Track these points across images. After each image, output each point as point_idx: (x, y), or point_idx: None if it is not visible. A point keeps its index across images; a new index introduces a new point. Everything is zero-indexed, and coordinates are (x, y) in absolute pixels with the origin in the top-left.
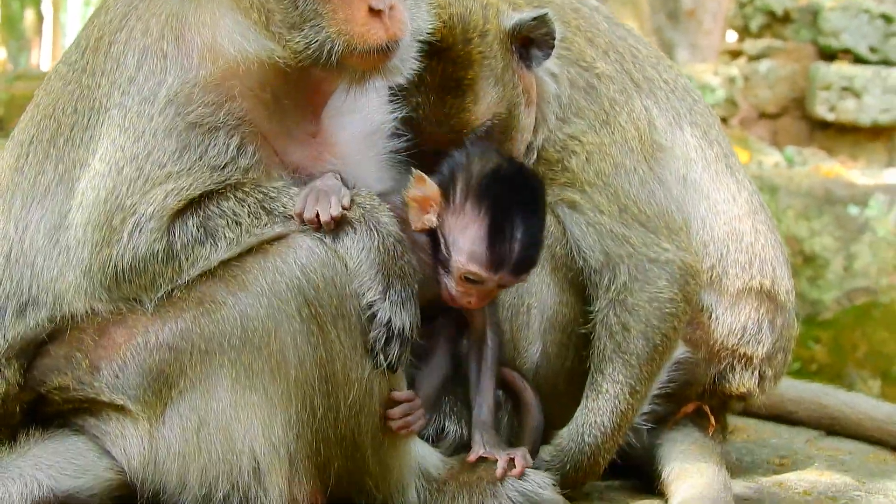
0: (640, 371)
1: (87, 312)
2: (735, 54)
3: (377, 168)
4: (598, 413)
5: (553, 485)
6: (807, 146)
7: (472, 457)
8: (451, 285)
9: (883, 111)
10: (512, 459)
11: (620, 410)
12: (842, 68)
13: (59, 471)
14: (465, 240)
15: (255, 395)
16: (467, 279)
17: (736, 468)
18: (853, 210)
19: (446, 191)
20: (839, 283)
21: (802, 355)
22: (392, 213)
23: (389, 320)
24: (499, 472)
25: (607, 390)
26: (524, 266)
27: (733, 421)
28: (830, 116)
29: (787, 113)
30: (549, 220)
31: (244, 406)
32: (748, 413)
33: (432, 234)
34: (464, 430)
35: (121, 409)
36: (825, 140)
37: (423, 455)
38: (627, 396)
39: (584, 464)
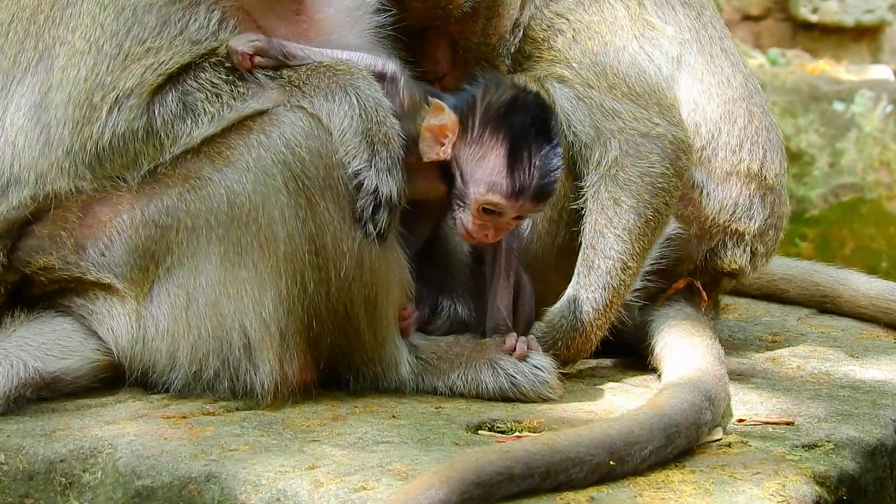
0: (632, 246)
1: (70, 191)
2: None
3: (362, 43)
4: (589, 288)
5: (551, 365)
6: (790, 48)
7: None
8: (466, 219)
9: (866, 11)
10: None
11: (612, 286)
12: None
13: (45, 352)
14: (484, 169)
15: (245, 270)
16: (485, 210)
17: (728, 345)
18: (839, 106)
19: (463, 121)
20: (825, 180)
21: (789, 252)
22: (372, 78)
23: (376, 188)
24: (509, 342)
25: (599, 266)
26: (543, 194)
27: (725, 300)
28: (813, 17)
29: (769, 15)
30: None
31: (233, 282)
32: (739, 292)
33: (444, 167)
34: (457, 307)
35: (107, 287)
36: (809, 42)
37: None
38: (619, 272)
39: (576, 340)
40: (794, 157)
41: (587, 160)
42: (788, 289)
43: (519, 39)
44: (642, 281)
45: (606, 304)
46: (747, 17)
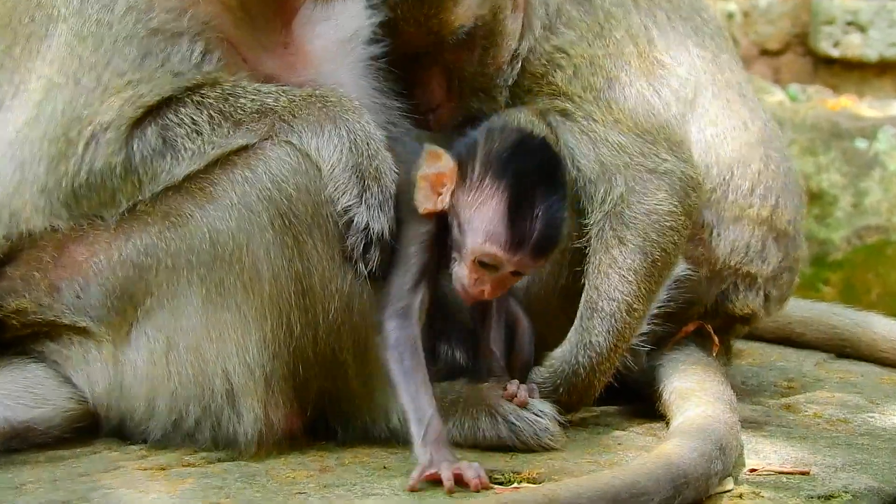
0: (639, 288)
1: (45, 230)
2: None
3: (354, 75)
4: (592, 332)
5: (553, 412)
6: (811, 83)
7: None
8: (462, 273)
9: (890, 45)
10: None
11: (617, 330)
12: (845, 1)
13: (16, 400)
14: (482, 218)
15: (228, 313)
16: (482, 264)
17: (741, 392)
18: (861, 144)
19: (462, 166)
20: (848, 222)
21: (811, 298)
22: (364, 110)
23: (367, 225)
24: (510, 389)
25: (603, 308)
26: (545, 247)
27: (738, 345)
28: (835, 52)
29: (789, 49)
30: (542, 128)
31: (216, 325)
32: (753, 336)
33: (440, 218)
34: (455, 352)
35: (83, 331)
36: (830, 77)
37: None
38: (624, 315)
39: (578, 386)
40: (815, 197)
41: (591, 197)
42: (805, 332)
43: (517, 72)
44: (649, 324)
45: (611, 349)
46: (765, 52)
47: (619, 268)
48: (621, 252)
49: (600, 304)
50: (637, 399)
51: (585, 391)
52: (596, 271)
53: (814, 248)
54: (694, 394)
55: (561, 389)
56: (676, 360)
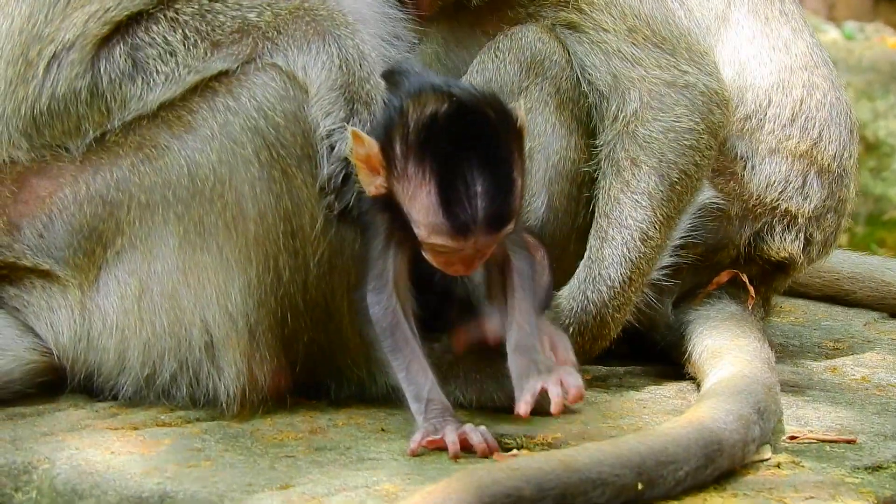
0: (654, 213)
1: (3, 162)
2: None
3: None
4: (602, 264)
5: (576, 370)
6: (869, 20)
7: (521, 410)
8: (428, 256)
9: None
10: (561, 381)
11: (630, 259)
12: None
13: None
14: (419, 210)
15: (208, 255)
16: (437, 251)
17: (781, 352)
18: None
19: (385, 152)
20: None
21: None
22: (358, 27)
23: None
24: (554, 408)
25: (613, 237)
26: (498, 221)
27: (779, 302)
28: None
29: None
30: (553, 46)
31: (194, 268)
32: (796, 293)
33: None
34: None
35: (46, 274)
36: (892, 14)
37: None
38: (638, 243)
39: (590, 325)
40: (871, 147)
41: (603, 114)
42: (855, 289)
43: None
44: (673, 256)
45: (624, 282)
46: None
47: (633, 192)
48: (634, 175)
49: (611, 232)
50: (664, 359)
51: (599, 330)
52: (606, 197)
53: (868, 205)
54: (728, 352)
55: (571, 329)
56: (707, 315)
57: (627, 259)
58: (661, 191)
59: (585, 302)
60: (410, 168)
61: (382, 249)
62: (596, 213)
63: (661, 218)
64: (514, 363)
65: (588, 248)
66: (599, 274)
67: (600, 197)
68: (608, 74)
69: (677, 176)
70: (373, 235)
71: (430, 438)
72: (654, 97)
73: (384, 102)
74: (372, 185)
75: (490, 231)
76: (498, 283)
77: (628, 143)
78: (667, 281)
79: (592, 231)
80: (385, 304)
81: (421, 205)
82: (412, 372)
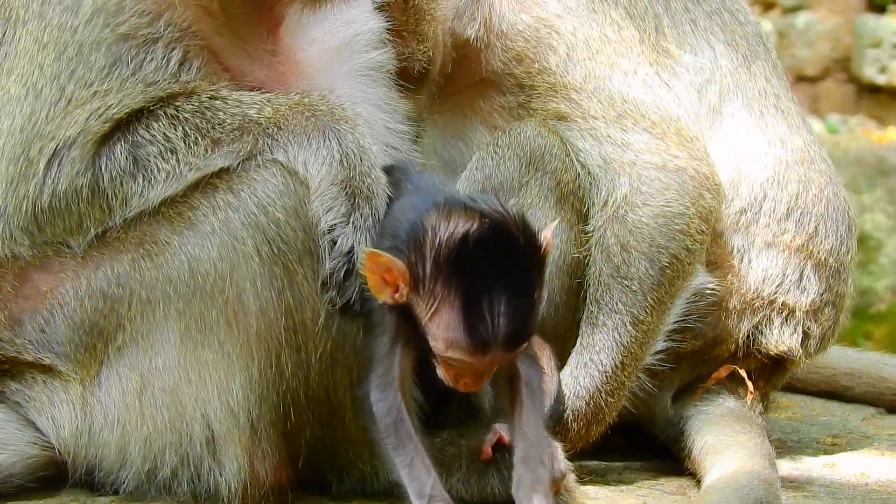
0: (645, 298)
1: (4, 257)
2: (767, 6)
3: (353, 86)
4: (593, 349)
5: (568, 468)
6: (853, 114)
7: None
8: (438, 368)
9: None
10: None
11: (622, 344)
12: (894, 22)
13: None
14: (439, 325)
15: (209, 351)
16: (451, 364)
17: (780, 448)
18: None
19: (411, 266)
20: (894, 269)
21: None
22: (359, 121)
23: (352, 248)
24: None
25: (604, 322)
26: (515, 341)
27: (777, 398)
28: (881, 79)
29: (829, 75)
30: (552, 140)
31: (195, 364)
32: (794, 388)
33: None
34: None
35: (48, 369)
36: (874, 107)
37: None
38: (629, 327)
39: (584, 411)
40: (858, 241)
41: (594, 199)
42: (852, 385)
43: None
44: (667, 342)
45: (616, 366)
46: (802, 78)
47: (623, 277)
48: (624, 260)
49: (601, 318)
50: (664, 454)
51: (594, 416)
52: (596, 283)
53: (855, 299)
54: (728, 448)
55: (566, 416)
56: (707, 410)
57: (619, 344)
58: (652, 276)
59: (578, 388)
60: (438, 287)
61: (390, 349)
62: (587, 300)
63: (651, 302)
64: (519, 474)
65: (580, 334)
66: (591, 360)
67: (591, 283)
68: (600, 158)
69: (668, 261)
70: (379, 333)
71: None
72: (644, 181)
73: (411, 220)
74: (388, 296)
75: (508, 349)
76: (505, 391)
77: (618, 228)
78: (664, 368)
79: (584, 317)
80: (390, 402)
81: (442, 320)
82: (415, 468)
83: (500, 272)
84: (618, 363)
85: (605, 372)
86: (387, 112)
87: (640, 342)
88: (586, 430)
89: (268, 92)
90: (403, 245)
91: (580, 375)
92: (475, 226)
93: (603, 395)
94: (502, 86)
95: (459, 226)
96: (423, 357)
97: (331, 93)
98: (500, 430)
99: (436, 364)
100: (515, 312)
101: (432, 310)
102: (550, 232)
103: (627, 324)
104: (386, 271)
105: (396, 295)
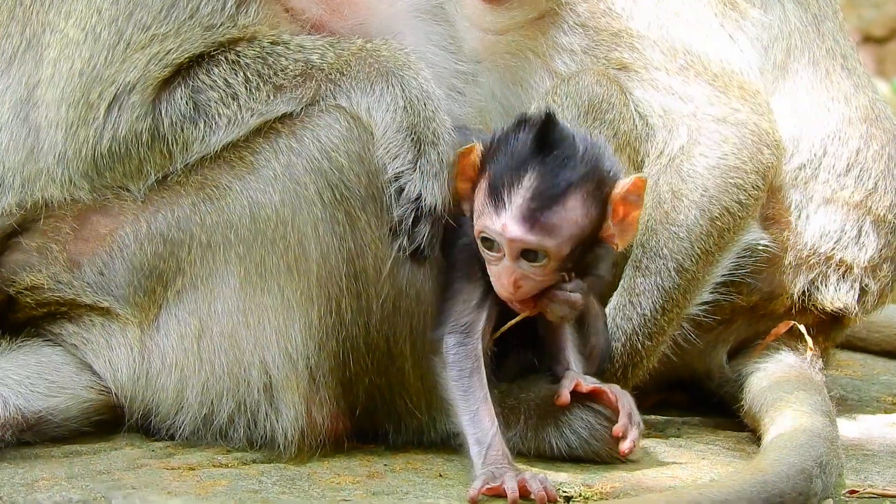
0: (692, 246)
1: (64, 200)
2: None
3: (416, 25)
4: (633, 292)
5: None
6: None
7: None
8: (490, 269)
9: None
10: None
11: (664, 288)
12: None
13: (30, 387)
14: (478, 197)
15: (269, 296)
16: (484, 242)
17: (840, 406)
18: None
19: (483, 159)
20: None
21: None
22: (422, 65)
23: (420, 195)
24: (562, 394)
25: (647, 266)
26: (530, 220)
27: (838, 356)
28: None
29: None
30: (611, 89)
31: (255, 309)
32: (855, 347)
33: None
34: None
35: (106, 312)
36: None
37: None
38: (673, 273)
39: (622, 354)
40: None
41: (649, 149)
42: None
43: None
44: (713, 294)
45: (656, 311)
46: (869, 39)
47: (671, 223)
48: (674, 207)
49: (644, 261)
50: (722, 409)
51: (631, 359)
52: (644, 227)
53: None
54: (789, 405)
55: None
56: (765, 367)
57: (660, 288)
58: (701, 225)
59: (615, 328)
60: (487, 166)
61: (480, 300)
62: (633, 246)
63: (698, 251)
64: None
65: (622, 276)
66: (630, 301)
67: (639, 228)
68: (660, 108)
69: (719, 212)
70: (466, 280)
71: (490, 486)
72: (704, 133)
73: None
74: (463, 201)
75: (520, 224)
76: (553, 342)
77: (672, 176)
78: (716, 322)
79: (629, 260)
80: (470, 350)
81: (480, 190)
82: (480, 416)
83: (539, 157)
84: (658, 307)
85: (644, 315)
86: (451, 52)
87: (684, 290)
88: (622, 371)
89: (325, 28)
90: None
91: (618, 317)
92: (533, 120)
93: (640, 338)
94: (565, 23)
95: (515, 121)
96: (503, 315)
97: (393, 34)
98: (577, 376)
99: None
100: (540, 195)
101: (478, 185)
102: (635, 186)
103: (672, 269)
104: (466, 162)
105: (465, 193)
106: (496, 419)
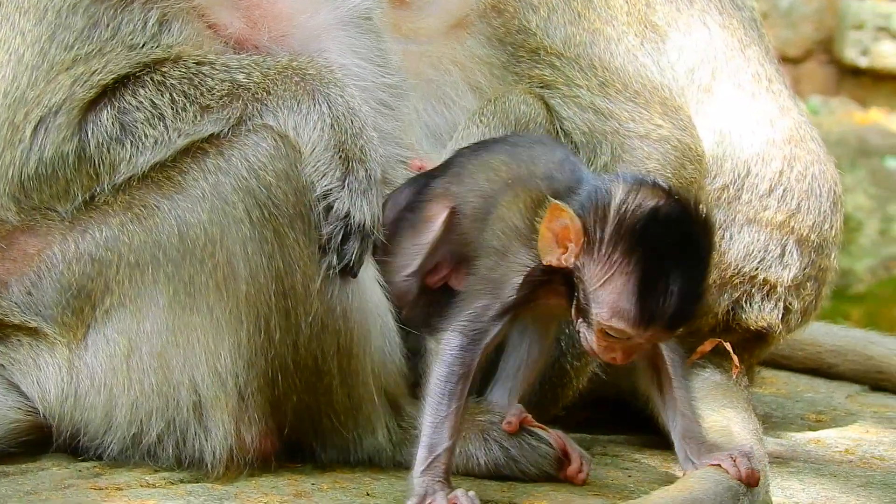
0: None
1: None
2: None
3: (340, 38)
4: None
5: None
6: (835, 96)
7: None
8: (590, 337)
9: None
10: (737, 459)
11: None
12: (877, 5)
13: None
14: (610, 293)
15: (198, 315)
16: (608, 335)
17: (766, 423)
18: (892, 163)
19: (588, 231)
20: (874, 250)
21: None
22: (345, 83)
23: (348, 212)
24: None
25: None
26: (680, 322)
27: (762, 373)
28: (863, 61)
29: (811, 57)
30: (538, 108)
31: (184, 328)
32: (779, 365)
33: (565, 272)
34: None
35: (34, 332)
36: (856, 89)
37: (396, 386)
38: None
39: (552, 375)
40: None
41: None
42: (838, 363)
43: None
44: None
45: None
46: (785, 59)
47: None
48: None
49: None
50: (649, 428)
51: (560, 380)
52: None
53: (834, 279)
54: (716, 423)
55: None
56: (692, 384)
57: None
58: None
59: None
60: (617, 254)
61: (500, 313)
62: None
63: None
64: (683, 449)
65: None
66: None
67: None
68: (584, 124)
69: None
70: (495, 296)
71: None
72: (626, 150)
73: (591, 184)
74: (554, 256)
75: (669, 330)
76: (649, 372)
77: None
78: None
79: None
80: (470, 357)
81: (614, 288)
82: (444, 426)
83: (680, 251)
84: None
85: (573, 336)
86: (378, 65)
87: None
88: (552, 393)
89: (247, 43)
90: (587, 205)
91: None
92: (664, 202)
93: (569, 359)
94: (482, 35)
95: (648, 199)
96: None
97: (317, 47)
98: (522, 410)
99: (583, 332)
100: (689, 293)
101: (606, 276)
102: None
103: None
104: (562, 228)
105: (563, 256)
106: (457, 438)
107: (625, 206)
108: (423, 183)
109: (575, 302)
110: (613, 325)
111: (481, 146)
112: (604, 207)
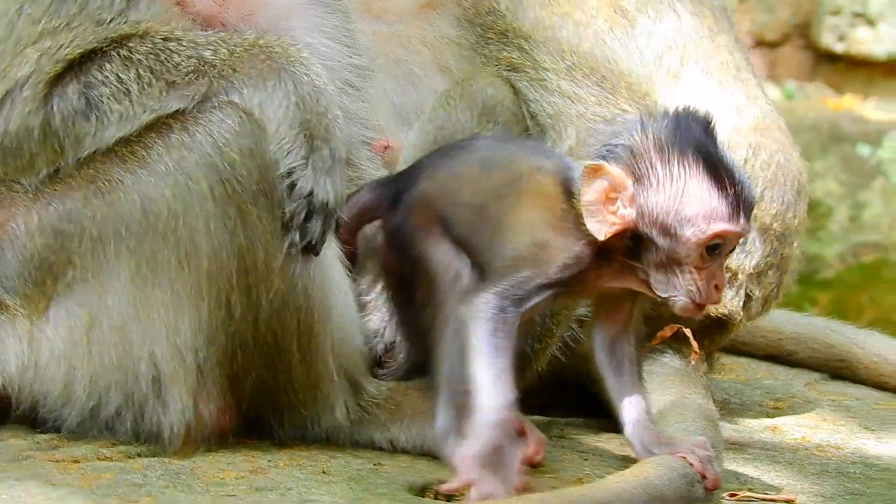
0: None
1: None
2: None
3: (308, 16)
4: None
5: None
6: (810, 81)
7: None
8: (689, 282)
9: None
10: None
11: None
12: None
13: None
14: (692, 204)
15: (159, 290)
16: (709, 251)
17: (723, 410)
18: (864, 150)
19: (634, 169)
20: (844, 237)
21: None
22: (313, 61)
23: (312, 191)
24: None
25: None
26: (753, 203)
27: (722, 359)
28: (839, 47)
29: (787, 41)
30: (504, 91)
31: (145, 303)
32: (739, 351)
33: (620, 239)
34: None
35: None
36: (832, 74)
37: (356, 365)
38: None
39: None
40: (808, 207)
41: None
42: (798, 350)
43: None
44: None
45: (546, 314)
46: (761, 43)
47: None
48: None
49: None
50: (607, 412)
51: (520, 363)
52: None
53: (802, 264)
54: (673, 408)
55: None
56: (651, 370)
57: None
58: None
59: None
60: (674, 165)
61: (544, 287)
62: None
63: None
64: (639, 438)
65: None
66: None
67: None
68: (549, 106)
69: None
70: (542, 271)
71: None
72: (592, 134)
73: (614, 132)
74: (607, 222)
75: (750, 213)
76: (605, 356)
77: None
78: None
79: None
80: (510, 320)
81: (694, 195)
82: (504, 380)
83: (714, 142)
84: (547, 310)
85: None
86: (345, 45)
87: None
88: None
89: (216, 20)
90: (613, 152)
91: None
92: (673, 111)
93: (529, 342)
94: (452, 16)
95: (666, 117)
96: None
97: (284, 24)
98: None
99: (676, 287)
100: (746, 181)
101: (678, 192)
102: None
103: None
104: (602, 187)
105: (619, 213)
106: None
107: (651, 127)
108: (392, 193)
109: (654, 259)
110: (716, 231)
111: (443, 156)
112: (629, 145)
